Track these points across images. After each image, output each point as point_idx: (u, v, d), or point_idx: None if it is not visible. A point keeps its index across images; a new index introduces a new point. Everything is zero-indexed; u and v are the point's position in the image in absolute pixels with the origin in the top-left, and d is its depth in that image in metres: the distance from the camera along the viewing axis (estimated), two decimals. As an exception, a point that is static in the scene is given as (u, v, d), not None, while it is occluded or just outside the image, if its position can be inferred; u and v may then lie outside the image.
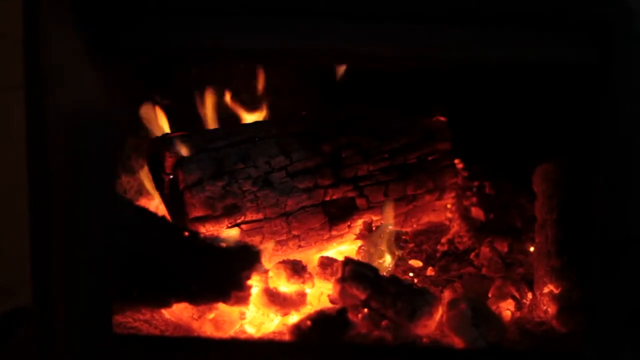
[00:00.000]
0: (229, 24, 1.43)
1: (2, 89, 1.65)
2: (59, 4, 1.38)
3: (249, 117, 2.19)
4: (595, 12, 1.38)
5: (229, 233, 1.84)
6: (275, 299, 1.76)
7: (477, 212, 2.20)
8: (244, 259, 1.67)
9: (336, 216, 1.97)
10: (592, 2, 1.37)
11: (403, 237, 1.98)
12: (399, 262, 1.97)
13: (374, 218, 2.01)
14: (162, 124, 2.05)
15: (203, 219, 1.82)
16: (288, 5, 1.41)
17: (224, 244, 1.68)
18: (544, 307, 1.78)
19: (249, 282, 1.67)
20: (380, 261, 1.91)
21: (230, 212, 1.84)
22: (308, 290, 1.82)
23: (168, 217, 1.88)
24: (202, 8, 1.41)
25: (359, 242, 1.98)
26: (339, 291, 1.73)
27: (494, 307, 1.77)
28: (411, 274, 1.97)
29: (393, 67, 2.07)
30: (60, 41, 1.40)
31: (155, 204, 2.05)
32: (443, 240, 2.13)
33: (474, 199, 2.23)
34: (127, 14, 1.43)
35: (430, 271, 2.00)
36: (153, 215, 1.71)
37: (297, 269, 1.82)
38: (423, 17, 1.41)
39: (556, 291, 1.75)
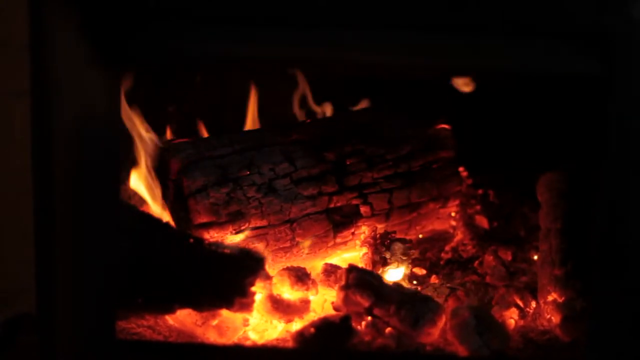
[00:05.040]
0: (234, 32, 1.44)
1: (8, 95, 1.66)
2: (66, 11, 1.39)
3: (253, 124, 2.19)
4: (597, 23, 1.38)
5: (233, 239, 1.84)
6: (278, 305, 1.76)
7: (481, 221, 2.20)
8: (248, 266, 1.67)
9: (340, 223, 1.97)
10: (595, 13, 1.38)
11: (407, 245, 1.98)
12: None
13: (378, 226, 2.01)
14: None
15: (207, 226, 1.83)
16: (295, 15, 1.41)
17: (228, 251, 1.68)
18: (548, 316, 1.78)
19: (253, 288, 1.67)
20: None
21: (234, 219, 1.85)
22: (312, 297, 1.82)
23: (172, 223, 1.88)
24: (210, 16, 1.42)
25: (363, 250, 1.98)
26: (343, 298, 1.73)
27: (497, 316, 1.77)
28: (415, 282, 1.97)
29: (397, 76, 2.07)
30: (66, 48, 1.40)
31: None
32: (447, 248, 2.12)
33: (478, 207, 2.23)
34: (133, 21, 1.43)
35: (434, 279, 2.00)
36: (157, 222, 1.72)
37: (300, 276, 1.82)
38: (429, 27, 1.42)
39: (560, 300, 1.75)
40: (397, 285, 1.77)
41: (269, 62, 1.69)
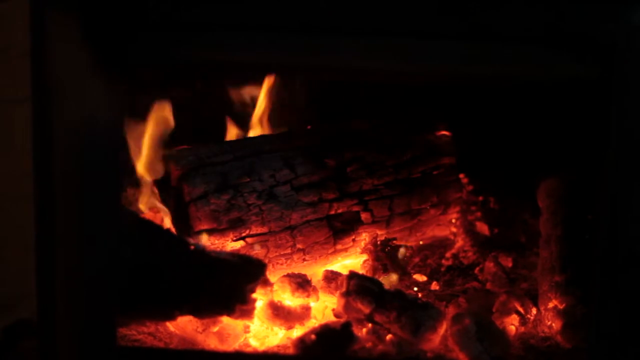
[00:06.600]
0: (234, 38, 1.44)
1: (9, 102, 1.66)
2: (66, 17, 1.39)
3: (254, 131, 2.19)
4: (598, 28, 1.38)
5: (234, 246, 1.84)
6: (279, 312, 1.76)
7: (481, 227, 2.20)
8: (249, 273, 1.67)
9: (341, 230, 1.97)
10: (595, 18, 1.38)
11: (407, 251, 1.98)
12: (404, 276, 1.97)
13: (379, 232, 2.01)
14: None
15: (208, 232, 1.83)
16: (294, 20, 1.41)
17: (228, 257, 1.68)
18: (549, 323, 1.78)
19: (254, 295, 1.67)
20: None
21: (235, 226, 1.85)
22: (312, 304, 1.82)
23: (173, 230, 1.88)
24: (209, 22, 1.42)
25: (364, 256, 1.98)
26: (344, 305, 1.73)
27: (498, 322, 1.77)
28: (415, 289, 1.97)
29: (398, 82, 2.07)
30: (67, 54, 1.40)
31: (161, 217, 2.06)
32: (447, 254, 2.12)
33: (479, 214, 2.23)
34: (134, 28, 1.43)
35: (434, 286, 2.00)
36: (158, 228, 1.72)
37: (301, 283, 1.82)
38: (429, 34, 1.42)
39: (560, 307, 1.75)
40: (397, 292, 1.77)
41: (269, 68, 1.70)
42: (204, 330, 1.72)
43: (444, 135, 2.16)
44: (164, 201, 1.97)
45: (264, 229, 1.88)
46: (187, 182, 1.84)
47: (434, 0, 1.39)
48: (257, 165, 1.90)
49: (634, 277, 1.44)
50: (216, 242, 1.84)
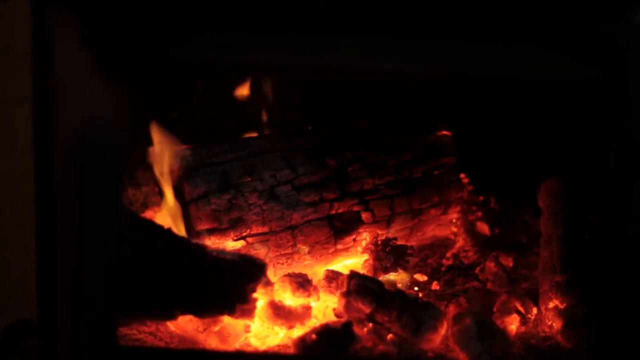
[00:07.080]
0: (234, 38, 1.44)
1: (9, 102, 1.66)
2: (67, 18, 1.39)
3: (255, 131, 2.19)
4: (598, 28, 1.38)
5: (235, 246, 1.84)
6: (280, 312, 1.76)
7: (482, 227, 2.20)
8: (249, 272, 1.67)
9: (341, 230, 1.97)
10: (595, 18, 1.38)
11: (408, 251, 1.98)
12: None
13: (380, 232, 2.01)
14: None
15: (209, 232, 1.83)
16: (294, 20, 1.42)
17: (229, 257, 1.68)
18: (549, 322, 1.78)
19: (254, 295, 1.67)
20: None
21: (235, 225, 1.85)
22: (313, 303, 1.82)
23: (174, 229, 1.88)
24: (209, 22, 1.42)
25: (365, 256, 1.98)
26: (344, 305, 1.73)
27: (498, 322, 1.77)
28: (416, 288, 1.97)
29: (398, 82, 2.07)
30: (67, 54, 1.41)
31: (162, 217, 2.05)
32: (448, 254, 2.12)
33: (479, 214, 2.23)
34: (134, 28, 1.44)
35: (435, 285, 2.00)
36: (159, 228, 1.72)
37: (302, 282, 1.82)
38: (428, 34, 1.42)
39: (561, 306, 1.75)
40: (398, 292, 1.77)
41: (269, 68, 1.70)
42: (204, 329, 1.72)
43: (444, 135, 2.16)
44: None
45: (265, 229, 1.88)
46: (188, 182, 1.84)
47: (434, 1, 1.39)
48: (258, 165, 1.90)
49: (634, 277, 1.44)
50: (217, 241, 1.83)
